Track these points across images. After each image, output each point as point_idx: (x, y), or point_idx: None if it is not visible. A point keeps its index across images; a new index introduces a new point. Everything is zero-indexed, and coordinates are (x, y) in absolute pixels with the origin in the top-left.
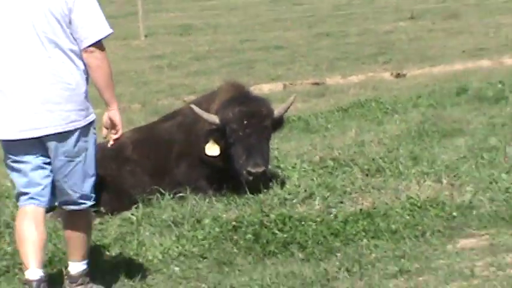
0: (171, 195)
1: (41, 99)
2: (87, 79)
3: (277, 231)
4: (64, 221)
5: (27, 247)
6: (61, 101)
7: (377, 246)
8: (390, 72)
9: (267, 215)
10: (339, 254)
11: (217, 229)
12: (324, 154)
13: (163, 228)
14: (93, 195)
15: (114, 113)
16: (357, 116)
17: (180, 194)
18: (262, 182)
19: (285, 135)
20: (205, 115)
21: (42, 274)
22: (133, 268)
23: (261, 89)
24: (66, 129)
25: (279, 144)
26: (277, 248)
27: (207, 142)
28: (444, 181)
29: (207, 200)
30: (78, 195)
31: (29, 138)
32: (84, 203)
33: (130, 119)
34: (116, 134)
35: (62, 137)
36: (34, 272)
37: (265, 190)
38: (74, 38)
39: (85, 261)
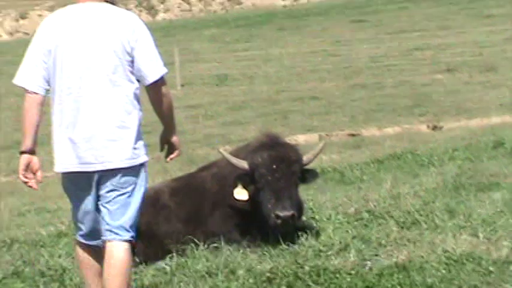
0: (205, 245)
1: (100, 134)
2: (140, 111)
3: (311, 283)
4: (104, 261)
5: (87, 273)
6: (118, 135)
7: None
8: (426, 124)
9: (302, 267)
10: None
11: (251, 280)
12: (359, 206)
13: (197, 278)
14: (133, 232)
15: (175, 138)
16: (392, 168)
17: (214, 245)
18: (292, 227)
19: (320, 187)
20: (234, 160)
21: None
22: None
23: (297, 139)
24: (118, 166)
25: (313, 196)
26: None
27: (236, 187)
28: (481, 235)
29: (241, 251)
30: (117, 224)
31: (86, 172)
32: (124, 235)
33: (165, 167)
34: (175, 154)
35: (113, 172)
36: None
37: (299, 241)
38: (136, 77)
39: None
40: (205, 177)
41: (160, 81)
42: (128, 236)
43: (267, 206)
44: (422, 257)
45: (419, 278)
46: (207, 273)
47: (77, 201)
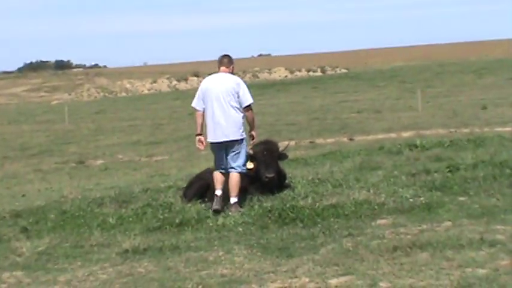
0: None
1: (225, 126)
2: (243, 117)
3: (290, 213)
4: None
5: (216, 182)
6: (233, 126)
7: (338, 222)
8: (347, 138)
9: (285, 205)
10: (319, 225)
11: (261, 210)
12: (313, 176)
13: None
14: (243, 167)
15: (253, 133)
16: (330, 158)
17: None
18: (273, 182)
19: (295, 167)
20: (248, 149)
21: (221, 192)
22: (221, 228)
23: (284, 144)
24: (234, 139)
25: (291, 171)
26: (290, 221)
27: (247, 161)
28: (371, 191)
29: (256, 197)
30: (236, 164)
31: (220, 142)
32: (237, 169)
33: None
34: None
35: (232, 142)
36: (218, 191)
37: (284, 192)
38: (239, 103)
39: (235, 198)
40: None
41: (248, 107)
42: (239, 170)
43: (260, 171)
44: (343, 201)
45: (341, 211)
46: (240, 207)
47: (217, 154)
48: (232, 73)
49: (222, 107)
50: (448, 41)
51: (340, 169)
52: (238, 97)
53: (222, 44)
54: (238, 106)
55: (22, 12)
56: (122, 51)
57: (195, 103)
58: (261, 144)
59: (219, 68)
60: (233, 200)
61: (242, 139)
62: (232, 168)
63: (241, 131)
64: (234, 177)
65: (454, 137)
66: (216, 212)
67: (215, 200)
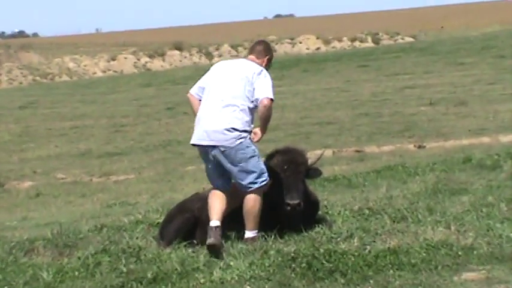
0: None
1: (215, 125)
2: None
3: (324, 262)
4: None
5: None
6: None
7: (400, 276)
8: (413, 144)
9: (317, 249)
10: (371, 281)
11: (279, 258)
12: (362, 204)
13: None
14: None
15: (257, 130)
16: (387, 176)
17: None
18: (298, 213)
19: (333, 190)
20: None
21: (218, 224)
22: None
23: (316, 154)
24: (224, 144)
25: (327, 196)
26: (325, 275)
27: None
28: (452, 228)
29: (272, 237)
30: (247, 181)
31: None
32: (252, 186)
33: None
34: (256, 138)
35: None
36: (214, 222)
37: (316, 230)
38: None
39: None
40: None
41: (267, 100)
42: (256, 186)
43: (279, 196)
44: (408, 243)
45: (406, 259)
46: (248, 251)
47: (206, 166)
48: (266, 68)
49: (219, 102)
50: None
51: (404, 194)
52: (251, 91)
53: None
54: (247, 104)
55: None
56: (61, 12)
57: (193, 88)
58: (279, 155)
59: (247, 56)
60: (249, 234)
61: (240, 143)
62: (244, 186)
63: (238, 134)
64: (250, 201)
65: None
66: (212, 249)
67: (209, 232)
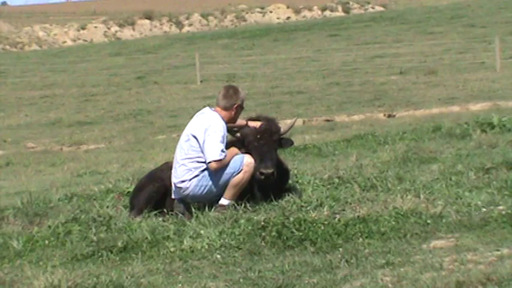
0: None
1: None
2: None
3: (294, 230)
4: None
5: None
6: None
7: (370, 244)
8: (383, 113)
9: (287, 218)
10: (341, 249)
11: (250, 227)
12: (331, 173)
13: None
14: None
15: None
16: (357, 145)
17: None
18: (272, 182)
19: (303, 159)
20: (231, 132)
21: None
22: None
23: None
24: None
25: (297, 165)
26: (294, 243)
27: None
28: (421, 196)
29: (242, 205)
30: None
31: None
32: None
33: None
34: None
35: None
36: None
37: (286, 199)
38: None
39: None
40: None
41: (215, 164)
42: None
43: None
44: (377, 212)
45: (375, 227)
46: (218, 220)
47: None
48: (234, 116)
49: (176, 157)
50: None
51: (374, 162)
52: (198, 147)
53: None
54: (197, 159)
55: None
56: None
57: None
58: (252, 124)
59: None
60: (223, 201)
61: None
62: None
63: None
64: (241, 173)
65: None
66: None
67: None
